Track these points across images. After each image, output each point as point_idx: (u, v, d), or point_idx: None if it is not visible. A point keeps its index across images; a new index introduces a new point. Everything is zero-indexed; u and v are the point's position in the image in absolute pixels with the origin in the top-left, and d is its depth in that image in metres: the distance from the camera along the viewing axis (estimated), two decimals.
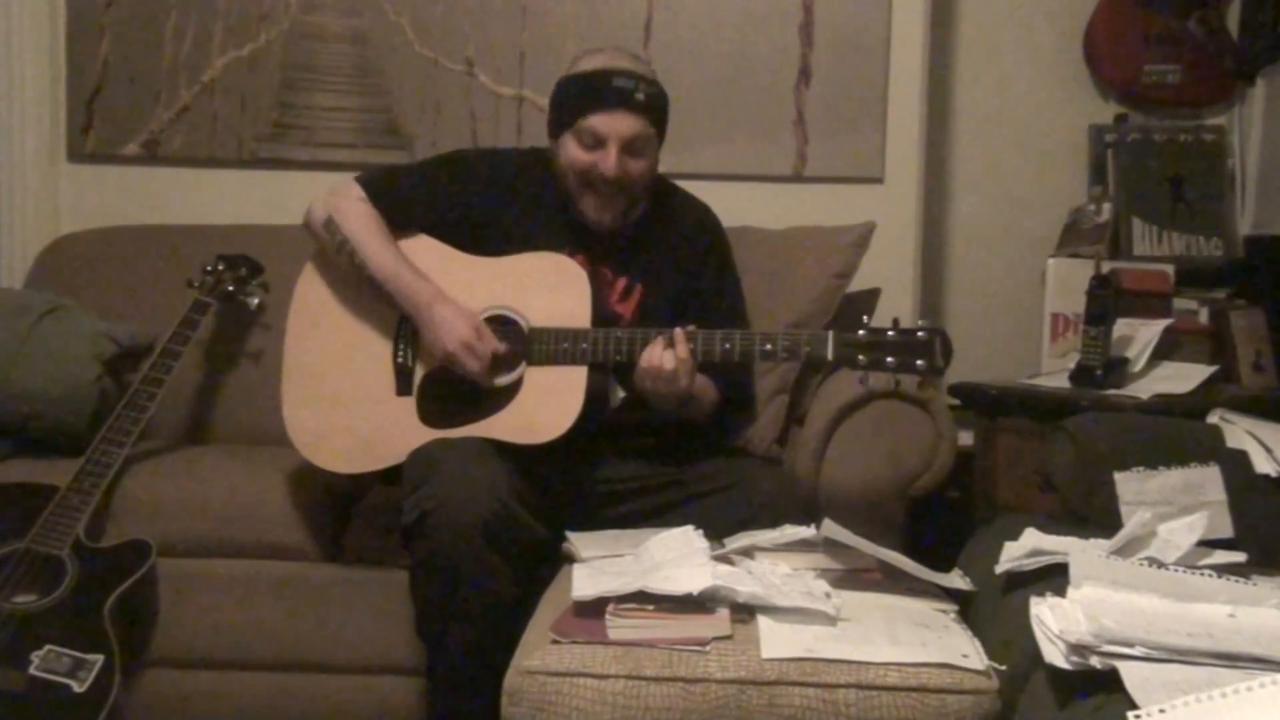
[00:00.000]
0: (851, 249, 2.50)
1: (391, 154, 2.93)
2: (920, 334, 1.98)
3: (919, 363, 1.97)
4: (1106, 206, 2.96)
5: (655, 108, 2.18)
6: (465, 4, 2.97)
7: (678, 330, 2.03)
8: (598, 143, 2.14)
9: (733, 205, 2.52)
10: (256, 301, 2.61)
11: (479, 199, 2.25)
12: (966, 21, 3.21)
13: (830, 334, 2.01)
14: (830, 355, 2.00)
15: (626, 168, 2.15)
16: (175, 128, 3.01)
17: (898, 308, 2.70)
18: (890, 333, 1.99)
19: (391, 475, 2.06)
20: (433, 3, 2.98)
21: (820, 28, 2.93)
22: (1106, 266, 2.72)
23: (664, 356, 2.01)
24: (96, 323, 2.54)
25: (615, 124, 2.13)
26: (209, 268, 2.58)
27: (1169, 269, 2.78)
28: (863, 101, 2.93)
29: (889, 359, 1.98)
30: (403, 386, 2.15)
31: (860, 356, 1.99)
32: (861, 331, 2.00)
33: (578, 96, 2.16)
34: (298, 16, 2.99)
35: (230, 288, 2.57)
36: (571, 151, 2.17)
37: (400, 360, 2.16)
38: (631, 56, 2.23)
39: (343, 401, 2.15)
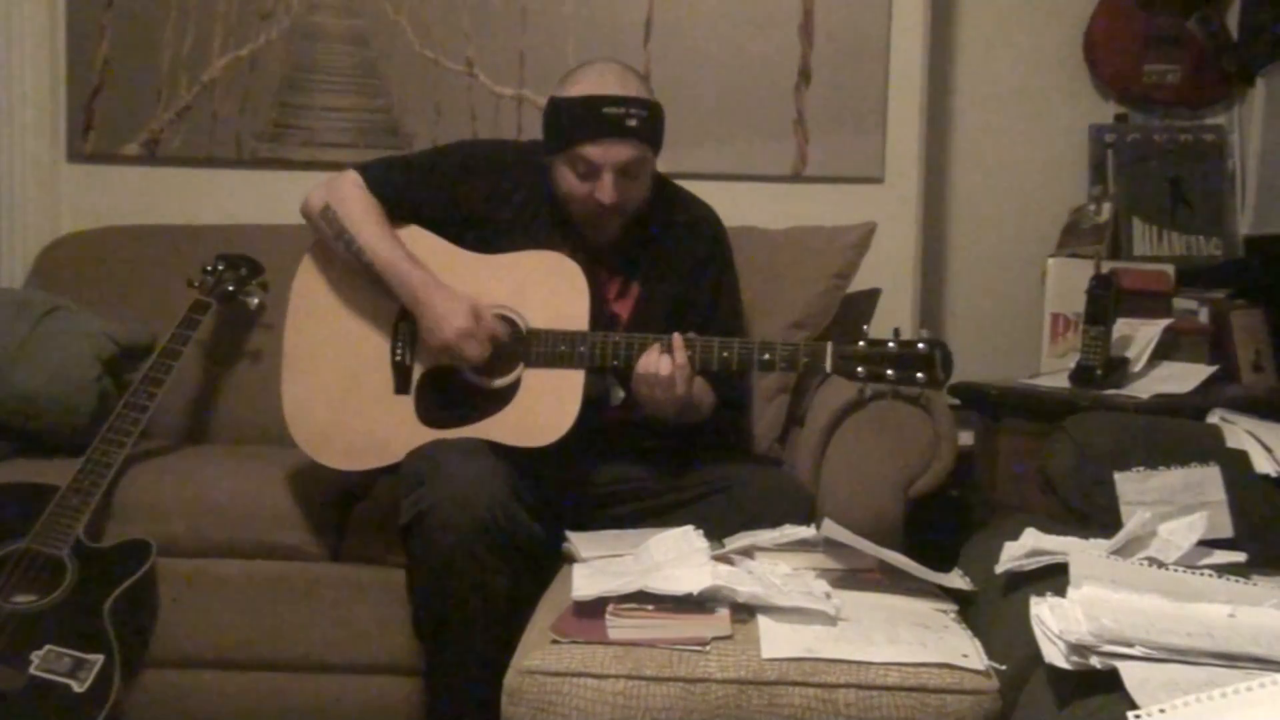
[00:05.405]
0: (851, 249, 2.50)
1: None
2: (920, 346, 1.95)
3: (919, 375, 1.94)
4: (1106, 206, 2.96)
5: (647, 129, 2.12)
6: (465, 4, 2.97)
7: (676, 336, 2.01)
8: (591, 171, 2.10)
9: (733, 205, 2.51)
10: (256, 301, 2.62)
11: (479, 193, 2.23)
12: (966, 22, 3.21)
13: (829, 345, 1.98)
14: (829, 367, 1.98)
15: (624, 192, 2.11)
16: (175, 128, 3.01)
17: (898, 308, 2.70)
18: (890, 344, 1.95)
19: (394, 467, 2.05)
20: (433, 3, 2.97)
21: (820, 28, 2.93)
22: (1106, 266, 2.71)
23: (661, 362, 1.99)
24: (96, 323, 2.53)
25: (608, 153, 2.08)
26: (209, 268, 2.58)
27: (1169, 269, 2.79)
28: (862, 102, 2.93)
29: (888, 371, 1.95)
30: (401, 385, 2.14)
31: (859, 368, 1.96)
32: (860, 343, 1.97)
33: (568, 123, 2.10)
34: (298, 16, 2.99)
35: (230, 288, 2.57)
36: (568, 179, 2.13)
37: (399, 358, 2.16)
38: (620, 74, 2.13)
39: (342, 398, 2.14)
